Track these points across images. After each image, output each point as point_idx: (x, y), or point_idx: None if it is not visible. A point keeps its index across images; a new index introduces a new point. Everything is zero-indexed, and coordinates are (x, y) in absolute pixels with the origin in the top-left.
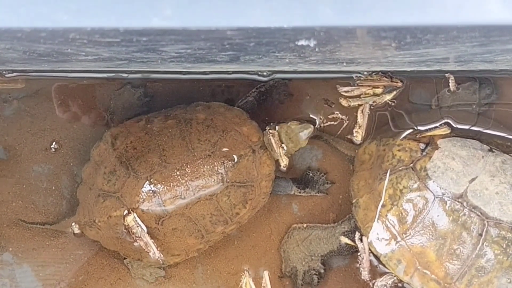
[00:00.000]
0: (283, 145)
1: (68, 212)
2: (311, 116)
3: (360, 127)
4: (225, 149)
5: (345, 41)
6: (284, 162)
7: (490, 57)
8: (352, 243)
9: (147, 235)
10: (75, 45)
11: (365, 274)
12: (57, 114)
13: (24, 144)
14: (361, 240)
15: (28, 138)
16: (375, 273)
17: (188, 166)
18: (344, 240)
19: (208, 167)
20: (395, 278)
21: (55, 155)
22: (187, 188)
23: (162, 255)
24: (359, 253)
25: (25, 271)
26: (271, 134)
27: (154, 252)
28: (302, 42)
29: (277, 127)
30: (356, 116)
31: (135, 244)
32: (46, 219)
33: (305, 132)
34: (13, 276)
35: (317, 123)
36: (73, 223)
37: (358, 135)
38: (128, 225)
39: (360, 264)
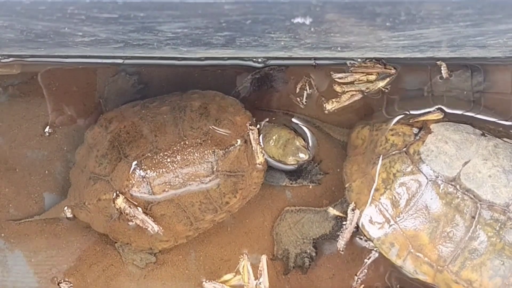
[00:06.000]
0: (261, 142)
1: (61, 198)
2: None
3: (338, 102)
4: (218, 137)
5: (340, 19)
6: (260, 159)
7: (483, 40)
8: (341, 214)
9: (141, 212)
10: (73, 22)
11: (341, 244)
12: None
13: (18, 130)
14: (353, 210)
15: (23, 124)
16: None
17: (179, 153)
18: (333, 211)
19: (198, 155)
20: None
21: (49, 141)
22: (176, 175)
23: (161, 228)
24: (344, 222)
25: (17, 257)
26: (250, 130)
27: (153, 227)
28: (298, 20)
29: (264, 123)
30: (344, 94)
31: (130, 224)
32: (38, 205)
33: (299, 155)
34: (5, 262)
35: (312, 156)
36: (66, 207)
37: (330, 105)
38: (120, 207)
39: (341, 232)
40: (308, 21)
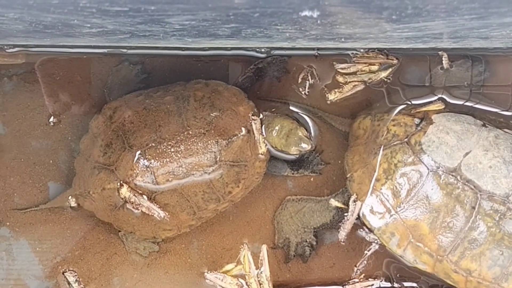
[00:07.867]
0: (263, 132)
1: (65, 187)
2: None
3: (340, 92)
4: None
5: (347, 12)
6: (262, 149)
7: (486, 32)
8: (342, 205)
9: (146, 199)
10: (83, 15)
11: (342, 234)
12: (46, 104)
13: (23, 120)
14: (354, 202)
15: (27, 113)
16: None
17: (182, 143)
18: (334, 203)
19: (202, 145)
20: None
21: (53, 130)
22: (180, 165)
23: (167, 214)
24: (346, 214)
25: (22, 246)
26: (253, 120)
27: (159, 213)
28: (306, 13)
29: (267, 113)
30: (347, 84)
31: (136, 212)
32: (43, 194)
33: (301, 145)
34: (10, 250)
35: (314, 146)
36: (70, 196)
37: (333, 95)
38: (125, 196)
39: (342, 223)
40: (315, 14)
